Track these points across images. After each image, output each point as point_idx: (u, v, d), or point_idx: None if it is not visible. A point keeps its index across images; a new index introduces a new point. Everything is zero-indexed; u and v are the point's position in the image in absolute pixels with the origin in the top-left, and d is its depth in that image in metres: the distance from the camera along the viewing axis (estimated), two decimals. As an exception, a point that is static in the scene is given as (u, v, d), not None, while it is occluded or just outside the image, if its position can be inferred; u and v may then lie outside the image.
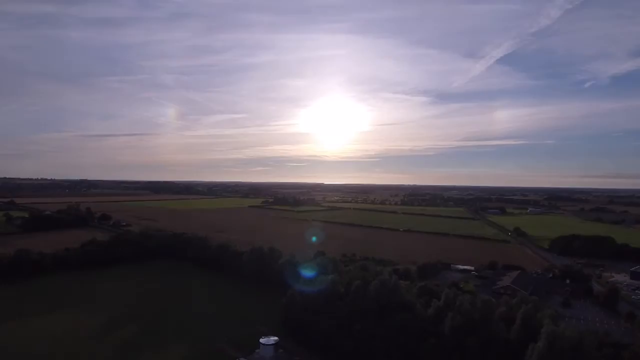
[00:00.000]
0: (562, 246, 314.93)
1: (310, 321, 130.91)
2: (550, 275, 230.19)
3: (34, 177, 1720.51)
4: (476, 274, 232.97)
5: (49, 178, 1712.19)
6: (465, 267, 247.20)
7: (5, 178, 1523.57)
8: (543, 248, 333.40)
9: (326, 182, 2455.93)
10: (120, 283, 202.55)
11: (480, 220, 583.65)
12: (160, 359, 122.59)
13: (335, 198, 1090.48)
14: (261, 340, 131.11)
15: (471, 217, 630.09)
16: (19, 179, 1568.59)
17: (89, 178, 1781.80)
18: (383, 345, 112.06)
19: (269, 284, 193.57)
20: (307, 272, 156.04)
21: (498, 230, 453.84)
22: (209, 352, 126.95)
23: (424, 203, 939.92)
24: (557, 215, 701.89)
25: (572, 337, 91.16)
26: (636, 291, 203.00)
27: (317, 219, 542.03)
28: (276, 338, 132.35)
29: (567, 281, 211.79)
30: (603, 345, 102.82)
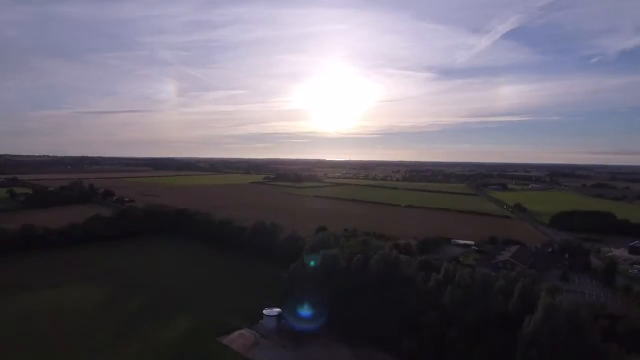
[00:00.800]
0: (562, 221, 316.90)
1: (313, 294, 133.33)
2: (550, 249, 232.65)
3: (35, 154, 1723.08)
4: (476, 248, 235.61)
5: (51, 155, 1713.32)
6: (466, 242, 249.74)
7: (6, 155, 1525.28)
8: (543, 223, 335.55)
9: (327, 159, 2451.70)
10: (125, 257, 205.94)
11: (481, 196, 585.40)
12: (166, 329, 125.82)
13: (337, 174, 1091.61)
14: (264, 311, 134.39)
15: (472, 193, 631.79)
16: (20, 155, 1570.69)
17: (90, 155, 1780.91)
18: (383, 317, 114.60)
19: (271, 259, 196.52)
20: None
21: (499, 206, 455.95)
22: (214, 323, 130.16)
23: (425, 179, 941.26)
24: (559, 192, 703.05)
25: (568, 309, 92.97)
26: (634, 265, 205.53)
27: (319, 195, 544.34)
28: (279, 309, 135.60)
29: (566, 255, 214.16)
30: (599, 317, 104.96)
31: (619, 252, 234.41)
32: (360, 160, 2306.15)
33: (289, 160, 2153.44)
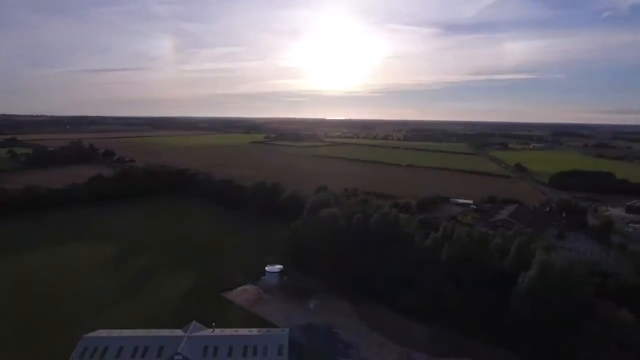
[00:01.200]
0: (561, 181, 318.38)
1: (313, 252, 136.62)
2: (548, 208, 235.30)
3: (33, 113, 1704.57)
4: (475, 207, 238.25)
5: (49, 115, 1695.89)
6: (465, 201, 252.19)
7: (4, 115, 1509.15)
8: (542, 183, 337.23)
9: (328, 118, 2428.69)
10: (128, 217, 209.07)
11: (481, 155, 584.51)
12: (171, 286, 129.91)
13: (338, 134, 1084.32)
14: (267, 268, 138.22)
15: (473, 152, 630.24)
16: (17, 115, 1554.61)
17: (88, 114, 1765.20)
18: (382, 274, 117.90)
19: (272, 217, 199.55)
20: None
21: (499, 166, 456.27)
22: (217, 280, 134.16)
23: (426, 139, 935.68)
24: (560, 151, 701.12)
25: (562, 267, 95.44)
26: (629, 224, 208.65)
27: (319, 154, 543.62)
28: (281, 266, 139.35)
29: (563, 214, 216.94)
30: (592, 274, 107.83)
31: (616, 212, 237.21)
32: (362, 120, 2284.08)
33: (290, 120, 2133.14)
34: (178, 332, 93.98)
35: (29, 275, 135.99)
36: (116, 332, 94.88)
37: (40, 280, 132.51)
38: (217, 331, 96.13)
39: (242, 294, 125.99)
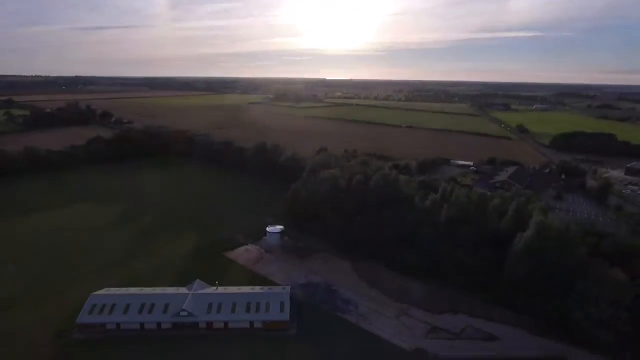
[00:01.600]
0: (563, 143, 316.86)
1: (314, 213, 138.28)
2: (547, 170, 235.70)
3: (27, 74, 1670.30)
4: (475, 169, 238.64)
5: (43, 75, 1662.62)
6: (465, 163, 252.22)
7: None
8: (544, 145, 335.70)
9: (329, 78, 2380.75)
10: (129, 179, 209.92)
11: (483, 117, 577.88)
12: (175, 246, 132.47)
13: (338, 94, 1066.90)
14: (268, 228, 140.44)
15: (475, 113, 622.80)
16: (11, 76, 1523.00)
17: (83, 75, 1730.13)
18: (382, 235, 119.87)
19: (273, 179, 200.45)
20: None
21: (500, 127, 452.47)
22: (219, 240, 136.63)
23: (428, 100, 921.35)
24: (563, 112, 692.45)
25: (559, 227, 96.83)
26: (628, 186, 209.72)
27: (319, 115, 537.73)
28: (282, 227, 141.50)
29: (563, 176, 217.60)
30: (588, 235, 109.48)
31: (616, 174, 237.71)
32: (363, 80, 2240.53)
33: (290, 80, 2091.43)
34: (183, 290, 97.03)
35: (36, 236, 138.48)
36: (123, 290, 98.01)
37: (47, 241, 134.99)
38: (221, 289, 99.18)
39: (244, 253, 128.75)
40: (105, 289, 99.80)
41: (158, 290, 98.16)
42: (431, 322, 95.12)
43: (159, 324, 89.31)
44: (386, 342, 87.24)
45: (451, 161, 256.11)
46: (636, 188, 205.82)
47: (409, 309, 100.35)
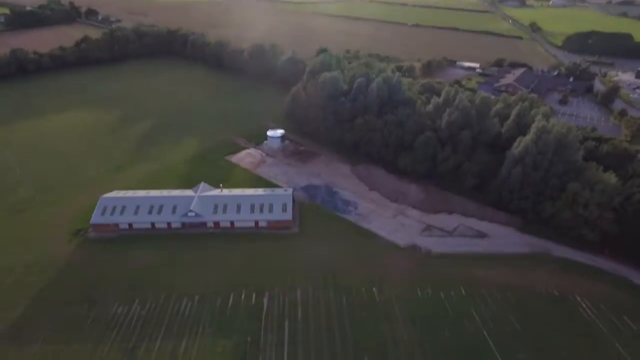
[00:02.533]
0: (575, 43, 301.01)
1: (314, 116, 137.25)
2: (556, 73, 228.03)
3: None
4: (481, 71, 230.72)
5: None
6: (471, 64, 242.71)
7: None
8: (555, 45, 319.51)
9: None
10: (122, 82, 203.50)
11: (495, 13, 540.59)
12: (177, 150, 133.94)
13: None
14: (268, 132, 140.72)
15: (486, 9, 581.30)
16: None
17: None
18: (382, 139, 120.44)
19: (271, 81, 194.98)
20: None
21: (512, 25, 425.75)
22: (221, 144, 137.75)
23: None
24: (580, 9, 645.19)
25: (559, 132, 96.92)
26: (636, 90, 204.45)
27: (320, 12, 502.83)
28: (282, 131, 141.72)
29: (571, 79, 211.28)
30: (587, 139, 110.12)
31: (626, 77, 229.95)
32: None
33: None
34: (189, 192, 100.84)
35: (39, 141, 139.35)
36: (131, 193, 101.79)
37: (51, 146, 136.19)
38: (225, 191, 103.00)
39: (246, 157, 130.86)
40: (114, 191, 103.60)
41: (165, 192, 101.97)
42: (426, 221, 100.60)
43: (168, 224, 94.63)
44: (383, 239, 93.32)
45: (457, 62, 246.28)
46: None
47: (405, 209, 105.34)
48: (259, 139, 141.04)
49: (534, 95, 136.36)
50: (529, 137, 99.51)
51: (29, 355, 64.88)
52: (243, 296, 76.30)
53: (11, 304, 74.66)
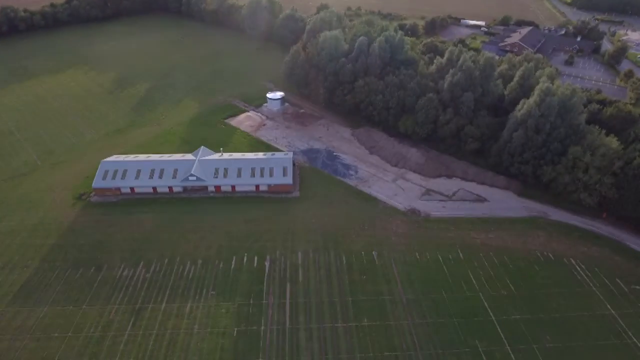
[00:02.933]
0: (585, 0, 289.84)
1: (314, 78, 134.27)
2: (563, 31, 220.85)
3: None
4: (486, 29, 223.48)
5: None
6: (476, 22, 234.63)
7: None
8: (564, 2, 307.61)
9: None
10: (117, 41, 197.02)
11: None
12: (176, 112, 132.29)
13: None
14: (268, 95, 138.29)
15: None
16: None
17: None
18: (383, 100, 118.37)
19: (270, 40, 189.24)
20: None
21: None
22: (220, 106, 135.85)
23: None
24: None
25: (563, 94, 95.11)
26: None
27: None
28: (282, 93, 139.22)
29: (578, 38, 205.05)
30: (591, 102, 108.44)
31: (636, 36, 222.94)
32: None
33: None
34: (189, 157, 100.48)
35: (36, 104, 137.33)
36: (131, 157, 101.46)
37: (48, 109, 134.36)
38: (225, 155, 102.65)
39: (246, 120, 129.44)
40: (114, 155, 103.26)
41: (165, 156, 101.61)
42: (426, 185, 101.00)
43: (170, 187, 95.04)
44: (383, 203, 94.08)
45: (461, 20, 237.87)
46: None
47: (405, 173, 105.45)
48: (258, 101, 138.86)
49: (540, 56, 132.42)
50: (532, 100, 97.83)
51: (38, 316, 67.10)
52: (245, 260, 77.95)
53: (19, 266, 76.45)
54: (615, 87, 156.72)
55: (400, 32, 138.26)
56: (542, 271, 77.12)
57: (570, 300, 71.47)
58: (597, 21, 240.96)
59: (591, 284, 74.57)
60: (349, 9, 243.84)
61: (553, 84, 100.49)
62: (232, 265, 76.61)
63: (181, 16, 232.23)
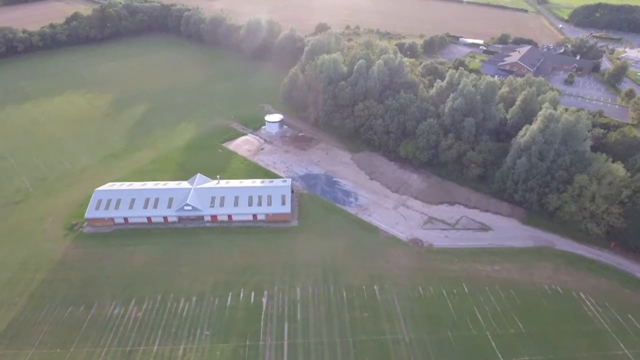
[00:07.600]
0: (582, 17, 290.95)
1: (313, 100, 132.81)
2: (562, 50, 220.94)
3: None
4: (484, 48, 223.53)
5: None
6: (474, 40, 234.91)
7: None
8: (562, 19, 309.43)
9: None
10: (115, 62, 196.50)
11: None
12: (173, 137, 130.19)
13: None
14: (266, 117, 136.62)
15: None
16: None
17: None
18: (383, 124, 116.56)
19: (268, 60, 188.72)
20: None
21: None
22: (219, 128, 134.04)
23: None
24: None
25: (567, 120, 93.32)
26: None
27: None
28: (281, 116, 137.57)
29: (577, 57, 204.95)
30: (595, 126, 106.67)
31: (634, 54, 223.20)
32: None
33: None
34: (185, 184, 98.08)
35: (31, 127, 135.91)
36: (125, 185, 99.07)
37: (43, 132, 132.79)
38: (222, 182, 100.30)
39: (244, 144, 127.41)
40: (109, 183, 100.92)
41: (160, 184, 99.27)
42: (428, 212, 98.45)
43: (164, 218, 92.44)
44: (384, 232, 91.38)
45: (460, 39, 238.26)
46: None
47: (407, 200, 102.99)
48: (257, 123, 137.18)
49: (541, 79, 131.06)
50: (535, 126, 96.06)
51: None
52: (242, 295, 75.00)
53: (7, 303, 73.53)
54: (617, 107, 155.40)
55: (399, 55, 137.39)
56: (550, 306, 74.10)
57: (582, 339, 68.38)
58: (594, 39, 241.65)
59: (602, 321, 71.51)
60: (347, 27, 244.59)
61: (556, 109, 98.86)
62: (228, 302, 73.60)
63: (180, 36, 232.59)
